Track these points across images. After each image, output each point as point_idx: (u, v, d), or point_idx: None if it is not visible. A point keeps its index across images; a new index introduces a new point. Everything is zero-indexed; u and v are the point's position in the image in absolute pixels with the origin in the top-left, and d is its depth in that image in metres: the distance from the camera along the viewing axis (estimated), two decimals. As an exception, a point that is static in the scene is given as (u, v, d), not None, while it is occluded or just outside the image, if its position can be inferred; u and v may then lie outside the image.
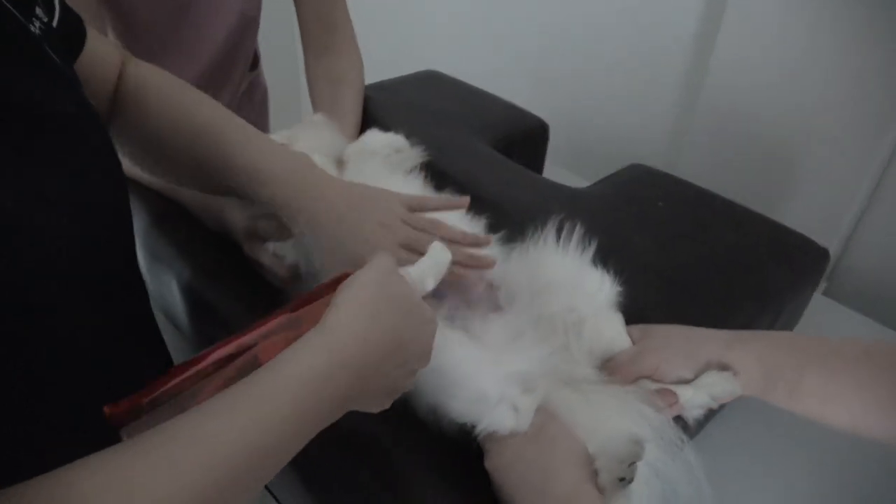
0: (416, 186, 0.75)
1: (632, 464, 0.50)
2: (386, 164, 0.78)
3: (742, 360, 0.56)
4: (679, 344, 0.60)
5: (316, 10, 1.04)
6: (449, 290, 0.67)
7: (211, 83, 1.11)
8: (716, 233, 0.81)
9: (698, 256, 0.77)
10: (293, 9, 1.04)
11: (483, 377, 0.54)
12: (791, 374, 0.54)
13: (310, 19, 1.05)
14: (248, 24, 1.07)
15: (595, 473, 0.51)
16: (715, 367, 0.57)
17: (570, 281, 0.64)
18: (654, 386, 0.58)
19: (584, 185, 0.99)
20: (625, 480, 0.49)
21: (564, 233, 0.67)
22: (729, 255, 0.77)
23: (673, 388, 0.57)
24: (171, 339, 0.84)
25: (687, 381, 0.58)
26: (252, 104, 1.26)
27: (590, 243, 0.67)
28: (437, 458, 0.57)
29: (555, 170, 1.18)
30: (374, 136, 0.81)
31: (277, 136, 0.85)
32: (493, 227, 0.73)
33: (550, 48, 1.40)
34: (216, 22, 1.02)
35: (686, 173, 0.95)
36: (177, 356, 0.83)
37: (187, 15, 0.99)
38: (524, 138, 1.05)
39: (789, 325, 0.84)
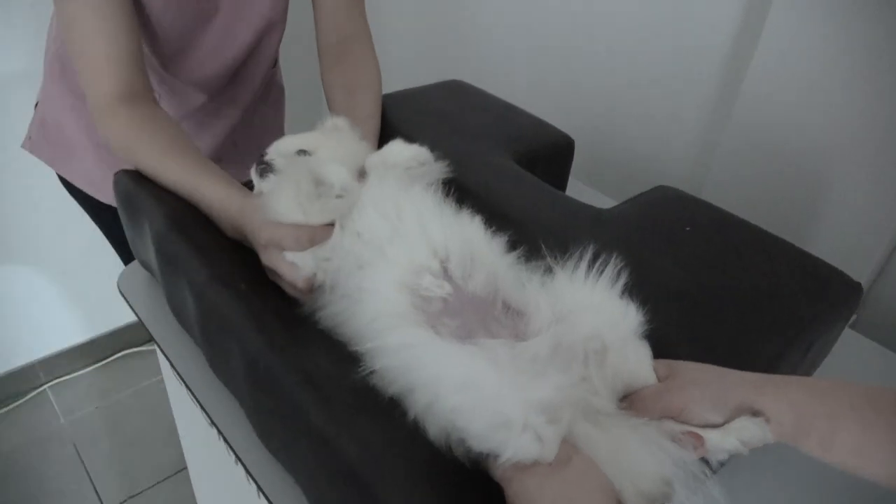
0: (433, 199, 0.73)
1: None
2: (406, 176, 0.76)
3: (774, 406, 0.54)
4: (708, 384, 0.57)
5: (333, 19, 1.04)
6: (464, 309, 0.65)
7: (232, 81, 1.10)
8: (744, 261, 0.78)
9: (725, 285, 0.74)
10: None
11: (506, 401, 0.52)
12: (824, 423, 0.51)
13: (327, 28, 1.04)
14: (273, 28, 1.07)
15: None
16: (746, 412, 0.54)
17: (593, 308, 0.62)
18: (679, 427, 0.55)
19: (608, 204, 0.97)
20: None
21: (589, 259, 0.65)
22: (757, 284, 0.75)
23: (699, 430, 0.55)
24: (184, 344, 0.83)
25: (714, 426, 0.55)
26: (267, 103, 1.25)
27: (616, 270, 0.64)
28: (447, 484, 0.55)
29: (578, 186, 1.16)
30: (398, 148, 0.78)
31: (297, 139, 0.84)
32: (514, 245, 0.71)
33: (578, 62, 1.38)
34: (242, 27, 1.02)
35: (712, 197, 0.93)
36: (187, 363, 0.82)
37: (213, 20, 0.99)
38: (549, 154, 1.03)
39: (818, 360, 0.81)
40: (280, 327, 0.67)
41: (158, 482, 1.89)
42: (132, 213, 0.85)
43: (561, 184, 1.08)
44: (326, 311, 0.68)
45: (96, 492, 1.86)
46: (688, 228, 0.82)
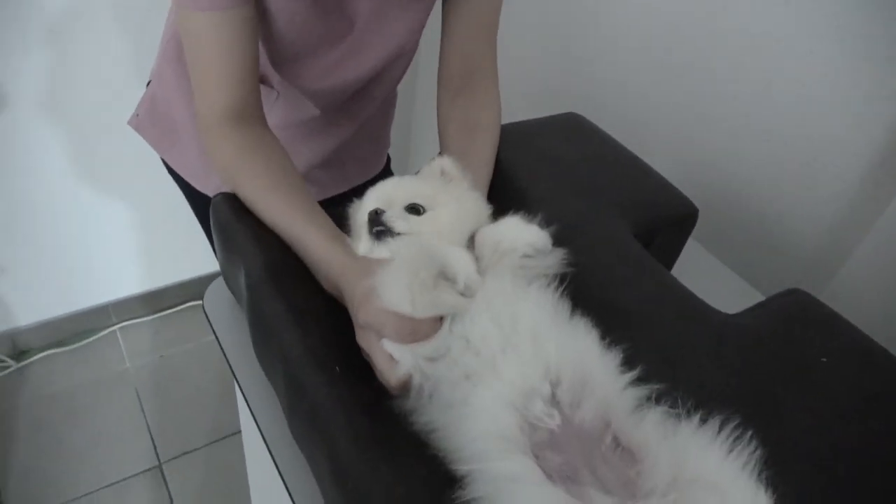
0: (549, 305, 0.66)
1: None
2: (522, 266, 0.69)
3: None
4: None
5: (462, 47, 0.96)
6: (570, 444, 0.60)
7: (351, 99, 1.05)
8: (888, 410, 0.69)
9: (873, 445, 0.66)
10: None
11: None
12: None
13: (452, 56, 0.97)
14: (404, 54, 1.01)
15: None
16: None
17: (719, 485, 0.55)
18: None
19: (723, 270, 0.92)
20: None
21: (727, 428, 0.58)
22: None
23: None
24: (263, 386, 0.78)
25: None
26: (379, 113, 1.20)
27: (749, 441, 0.57)
28: None
29: (695, 248, 1.07)
30: (515, 230, 0.71)
31: (409, 186, 0.79)
32: (630, 360, 0.64)
33: (705, 118, 1.25)
34: (373, 51, 0.96)
35: (847, 287, 0.83)
36: (265, 410, 0.77)
37: (343, 40, 0.93)
38: (670, 225, 0.94)
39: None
40: (369, 426, 0.63)
41: (213, 441, 1.93)
42: (228, 245, 0.81)
43: (675, 254, 0.99)
44: (422, 416, 0.64)
45: (153, 443, 1.91)
46: (824, 359, 0.73)
